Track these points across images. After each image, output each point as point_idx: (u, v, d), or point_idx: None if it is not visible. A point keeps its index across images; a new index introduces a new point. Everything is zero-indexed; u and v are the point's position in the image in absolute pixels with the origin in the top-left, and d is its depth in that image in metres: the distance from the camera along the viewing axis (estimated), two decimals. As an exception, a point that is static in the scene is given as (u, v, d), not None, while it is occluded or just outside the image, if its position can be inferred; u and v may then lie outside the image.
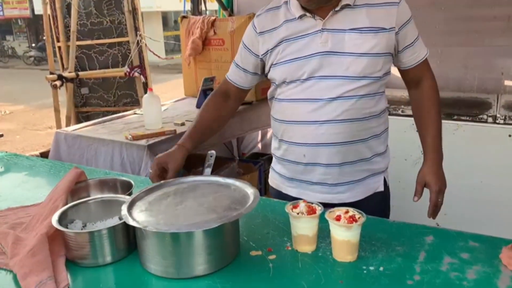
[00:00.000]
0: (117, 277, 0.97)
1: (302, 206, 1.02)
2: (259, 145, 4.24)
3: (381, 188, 1.36)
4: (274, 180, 1.46)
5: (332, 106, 1.22)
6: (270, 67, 1.31)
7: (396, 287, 0.88)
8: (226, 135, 2.66)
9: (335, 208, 1.02)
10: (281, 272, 0.96)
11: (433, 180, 1.27)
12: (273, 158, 1.47)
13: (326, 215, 0.99)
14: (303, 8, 1.23)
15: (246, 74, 1.40)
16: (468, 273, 0.92)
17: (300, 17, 1.24)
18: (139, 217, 0.95)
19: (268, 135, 4.18)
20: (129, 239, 1.02)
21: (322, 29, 1.22)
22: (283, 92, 1.31)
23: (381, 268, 0.95)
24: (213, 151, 1.18)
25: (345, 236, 0.96)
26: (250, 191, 1.04)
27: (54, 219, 1.02)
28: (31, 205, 1.33)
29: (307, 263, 0.98)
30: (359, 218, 0.97)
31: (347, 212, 0.99)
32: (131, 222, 0.91)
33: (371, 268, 0.95)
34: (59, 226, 0.99)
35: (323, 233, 1.07)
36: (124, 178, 1.31)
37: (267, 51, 1.30)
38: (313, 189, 1.32)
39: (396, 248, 1.03)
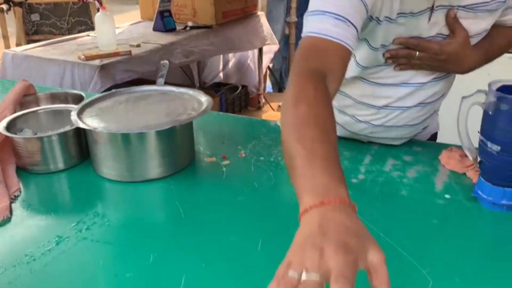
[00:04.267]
0: (70, 182, 0.98)
1: None
2: (221, 75, 4.19)
3: (437, 129, 1.21)
4: None
5: (422, 91, 0.99)
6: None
7: (342, 185, 0.93)
8: (186, 59, 2.61)
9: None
10: (234, 175, 0.99)
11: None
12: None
13: (278, 121, 1.01)
14: None
15: (357, 32, 0.79)
16: (409, 172, 0.98)
17: None
18: (90, 122, 0.93)
19: (230, 64, 4.12)
20: (81, 147, 1.01)
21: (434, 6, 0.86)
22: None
23: (329, 170, 0.99)
24: (166, 61, 1.16)
25: (295, 140, 0.99)
26: (204, 98, 1.04)
27: (1, 125, 0.99)
28: (-22, 120, 1.28)
29: (260, 167, 1.01)
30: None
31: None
32: (81, 125, 0.90)
33: (320, 170, 1.00)
34: (6, 133, 0.97)
35: (276, 141, 1.10)
36: (75, 92, 1.28)
37: (384, 18, 0.85)
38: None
39: (344, 153, 1.07)
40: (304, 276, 0.46)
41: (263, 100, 4.11)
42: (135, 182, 0.95)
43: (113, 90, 1.09)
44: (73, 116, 0.94)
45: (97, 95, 1.06)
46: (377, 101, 1.01)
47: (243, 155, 1.07)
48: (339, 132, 1.10)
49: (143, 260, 0.72)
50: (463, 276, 0.67)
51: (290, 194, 0.93)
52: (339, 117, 1.07)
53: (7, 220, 0.83)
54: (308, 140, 0.61)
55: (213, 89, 3.58)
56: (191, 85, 3.56)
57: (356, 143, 1.11)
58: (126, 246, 0.76)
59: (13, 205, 0.88)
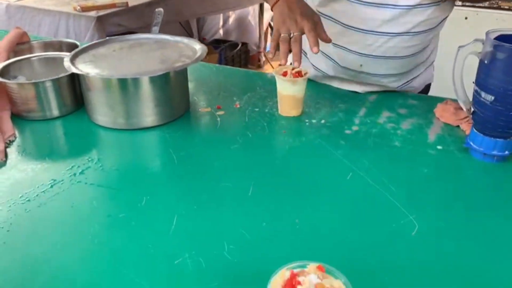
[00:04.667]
0: (65, 129, 0.98)
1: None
2: (221, 31, 4.11)
3: (431, 80, 1.21)
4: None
5: (408, 16, 0.97)
6: None
7: (335, 135, 0.94)
8: (184, 14, 2.55)
9: (283, 66, 1.03)
10: (228, 125, 0.99)
11: None
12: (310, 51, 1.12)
13: (274, 71, 1.01)
14: None
15: None
16: (403, 124, 0.98)
17: None
18: (83, 68, 0.93)
19: (231, 20, 4.04)
20: (75, 94, 1.01)
21: None
22: None
23: (323, 121, 0.99)
24: (161, 9, 1.13)
25: (290, 91, 0.99)
26: (198, 47, 1.02)
27: (-6, 72, 0.98)
28: (-28, 68, 1.27)
29: (254, 117, 1.02)
30: (305, 74, 0.99)
31: (293, 68, 1.00)
32: (74, 70, 0.90)
33: (314, 121, 1.00)
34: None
35: (272, 93, 1.10)
36: (69, 40, 1.26)
37: None
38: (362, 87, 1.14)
39: (339, 105, 1.07)
40: (292, 34, 0.90)
41: (264, 58, 4.06)
42: (130, 130, 0.96)
43: (107, 38, 1.07)
44: (66, 62, 0.94)
45: (91, 43, 1.05)
46: (363, 24, 1.00)
47: (238, 106, 1.07)
48: (334, 71, 1.12)
49: (136, 202, 0.73)
50: (448, 222, 0.69)
51: (282, 144, 0.94)
52: (332, 50, 1.09)
53: (2, 163, 0.84)
54: None
55: (212, 45, 3.53)
56: (190, 42, 3.50)
57: (352, 96, 1.11)
58: (119, 189, 0.77)
59: (8, 149, 0.89)
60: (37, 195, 0.75)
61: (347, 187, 0.78)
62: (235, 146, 0.91)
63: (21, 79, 1.05)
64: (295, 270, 0.46)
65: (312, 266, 0.47)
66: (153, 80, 0.90)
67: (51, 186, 0.77)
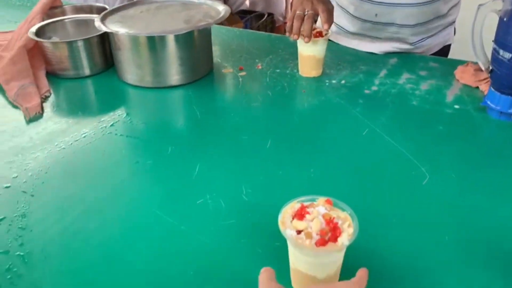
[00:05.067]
0: (96, 87, 1.04)
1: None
2: (247, 2, 4.09)
3: (451, 41, 1.22)
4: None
5: None
6: None
7: (353, 95, 0.96)
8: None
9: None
10: (249, 85, 1.02)
11: None
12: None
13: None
14: None
15: None
16: (422, 85, 0.99)
17: None
18: (113, 27, 0.97)
19: (256, -9, 4.01)
20: (105, 55, 1.06)
21: None
22: None
23: (343, 81, 1.02)
24: (187, -28, 1.16)
25: (310, 51, 1.01)
26: (222, 8, 1.05)
27: (31, 31, 1.04)
28: (8, 31, 1.34)
29: (275, 78, 1.05)
30: (326, 34, 1.01)
31: (314, 29, 1.02)
32: (104, 29, 0.94)
33: (334, 81, 1.02)
34: (35, 37, 1.02)
35: (293, 55, 1.12)
36: (100, 5, 1.31)
37: None
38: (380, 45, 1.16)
39: (360, 67, 1.09)
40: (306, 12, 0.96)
41: (290, 29, 4.02)
42: (157, 88, 1.00)
43: (134, 0, 1.11)
44: (97, 22, 0.98)
45: (119, 5, 1.09)
46: None
47: (260, 67, 1.10)
48: (352, 26, 1.15)
49: (162, 151, 0.78)
50: (459, 173, 0.71)
51: (301, 102, 0.97)
52: (347, 2, 1.13)
53: (39, 116, 0.91)
54: None
55: (238, 14, 3.52)
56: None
57: (374, 58, 1.12)
58: (147, 140, 0.83)
59: (44, 104, 0.95)
60: (71, 144, 0.81)
61: (363, 141, 0.80)
62: (256, 104, 0.94)
63: (55, 40, 1.10)
64: (305, 203, 0.50)
65: (321, 199, 0.51)
66: (178, 39, 0.94)
67: (84, 137, 0.83)
